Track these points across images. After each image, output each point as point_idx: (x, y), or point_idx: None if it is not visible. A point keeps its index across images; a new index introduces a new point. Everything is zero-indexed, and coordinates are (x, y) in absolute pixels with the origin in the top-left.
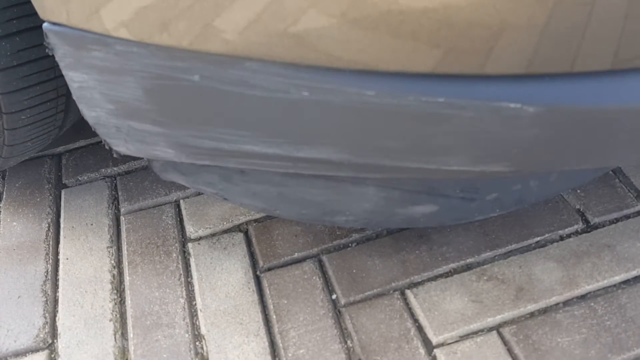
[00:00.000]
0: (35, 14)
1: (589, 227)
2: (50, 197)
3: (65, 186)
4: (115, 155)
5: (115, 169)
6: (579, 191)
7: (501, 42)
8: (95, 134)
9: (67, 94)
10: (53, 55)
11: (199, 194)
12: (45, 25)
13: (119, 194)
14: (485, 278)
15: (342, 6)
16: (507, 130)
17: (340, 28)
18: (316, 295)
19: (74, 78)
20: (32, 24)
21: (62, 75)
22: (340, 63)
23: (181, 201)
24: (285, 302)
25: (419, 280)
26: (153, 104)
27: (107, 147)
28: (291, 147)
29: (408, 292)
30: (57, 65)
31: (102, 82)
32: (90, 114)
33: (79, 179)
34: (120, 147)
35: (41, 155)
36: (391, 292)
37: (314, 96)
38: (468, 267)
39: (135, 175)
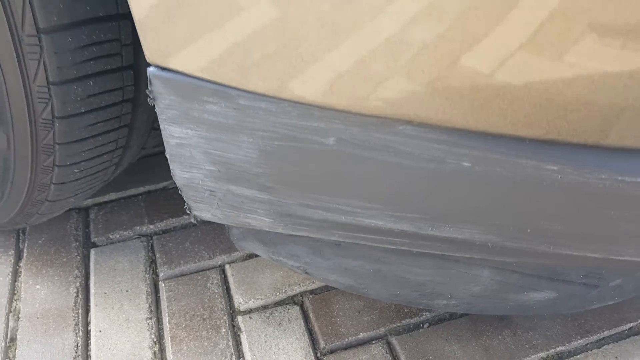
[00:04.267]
0: (114, 54)
1: None
2: (78, 257)
3: (94, 245)
4: (193, 220)
5: (151, 226)
6: None
7: None
8: (127, 187)
9: (125, 146)
10: (122, 102)
11: (246, 258)
12: (151, 70)
13: (157, 255)
14: None
15: (543, 64)
16: None
17: (534, 90)
18: None
19: (174, 133)
20: (110, 66)
21: (125, 125)
22: (526, 131)
23: (227, 266)
24: None
25: None
26: (268, 167)
27: (188, 211)
28: (427, 224)
29: None
30: (124, 114)
31: (210, 140)
32: (182, 175)
33: (110, 237)
34: (205, 212)
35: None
36: None
37: (477, 167)
38: (559, 357)
39: (174, 235)
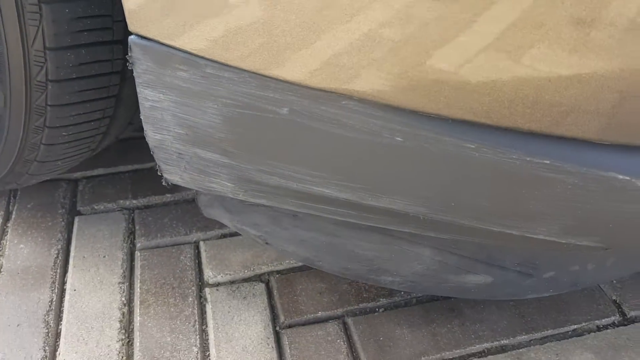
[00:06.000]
0: (106, 28)
1: (626, 320)
2: (63, 222)
3: (79, 213)
4: (164, 183)
5: (134, 201)
6: (615, 282)
7: (624, 109)
8: (116, 164)
9: (112, 116)
10: (111, 73)
11: (221, 237)
12: (132, 37)
13: (136, 228)
14: None
15: (464, 56)
16: (609, 202)
17: (461, 77)
18: None
19: (148, 96)
20: (102, 38)
21: (113, 96)
22: (448, 112)
23: (201, 243)
24: None
25: (451, 357)
26: (229, 133)
27: (159, 173)
28: (367, 194)
29: None
30: (112, 85)
31: (179, 104)
32: (154, 136)
33: (95, 207)
34: (174, 175)
35: (57, 179)
36: None
37: (407, 142)
38: (502, 349)
39: (155, 211)
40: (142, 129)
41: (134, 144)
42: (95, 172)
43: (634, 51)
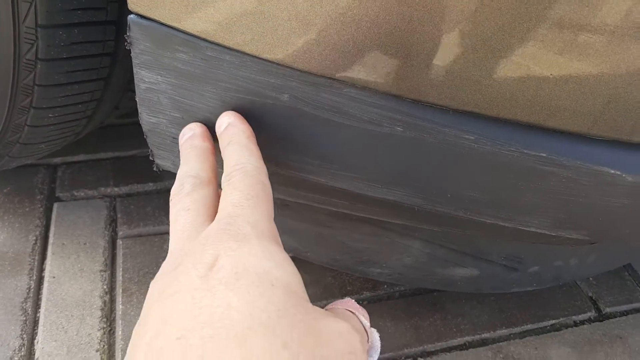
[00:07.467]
0: (100, 8)
1: (601, 316)
2: (41, 208)
3: (58, 199)
4: (155, 169)
5: (116, 189)
6: (591, 279)
7: (616, 106)
8: (97, 150)
9: (99, 99)
10: (102, 55)
11: None
12: (131, 17)
13: (118, 216)
14: (501, 356)
15: (466, 49)
16: (599, 196)
17: (463, 69)
18: None
19: (145, 78)
20: (95, 18)
21: (102, 79)
22: (450, 102)
23: None
24: None
25: (433, 349)
26: None
27: (150, 158)
28: (363, 184)
29: None
30: (102, 67)
31: (177, 87)
32: (149, 119)
33: (75, 194)
34: (167, 160)
35: (36, 164)
36: (403, 358)
37: (407, 132)
38: (483, 342)
39: (137, 199)
40: (128, 115)
41: (116, 130)
42: (76, 158)
43: (626, 54)
